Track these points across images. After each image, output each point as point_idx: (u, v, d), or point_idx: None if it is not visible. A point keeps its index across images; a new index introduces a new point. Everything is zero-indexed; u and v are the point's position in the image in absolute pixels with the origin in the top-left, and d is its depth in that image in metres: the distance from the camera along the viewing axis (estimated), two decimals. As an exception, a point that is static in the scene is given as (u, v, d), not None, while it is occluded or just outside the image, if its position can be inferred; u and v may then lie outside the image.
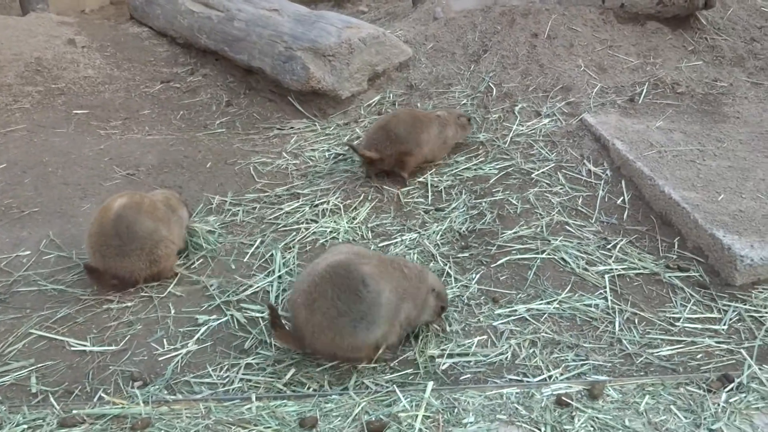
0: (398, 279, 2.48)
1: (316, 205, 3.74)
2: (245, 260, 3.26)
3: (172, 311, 2.89)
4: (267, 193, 3.90)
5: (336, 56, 4.85)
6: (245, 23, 5.47)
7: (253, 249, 3.35)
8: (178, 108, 5.27)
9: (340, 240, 3.42)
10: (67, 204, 3.70)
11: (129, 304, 2.96)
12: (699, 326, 2.73)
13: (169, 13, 6.30)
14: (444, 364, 2.57)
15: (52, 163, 4.17)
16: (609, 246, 3.28)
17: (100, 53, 5.96)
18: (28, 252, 3.27)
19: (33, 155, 4.28)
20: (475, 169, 4.07)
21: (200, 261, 3.26)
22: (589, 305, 2.85)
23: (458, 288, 3.02)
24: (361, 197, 3.84)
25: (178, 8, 6.21)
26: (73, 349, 2.69)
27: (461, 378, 2.52)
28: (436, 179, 4.00)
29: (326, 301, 2.39)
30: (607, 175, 3.82)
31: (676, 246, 3.22)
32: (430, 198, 3.83)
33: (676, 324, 2.73)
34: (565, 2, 5.25)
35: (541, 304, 2.89)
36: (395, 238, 3.44)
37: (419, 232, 3.48)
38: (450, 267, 3.17)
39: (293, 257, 3.27)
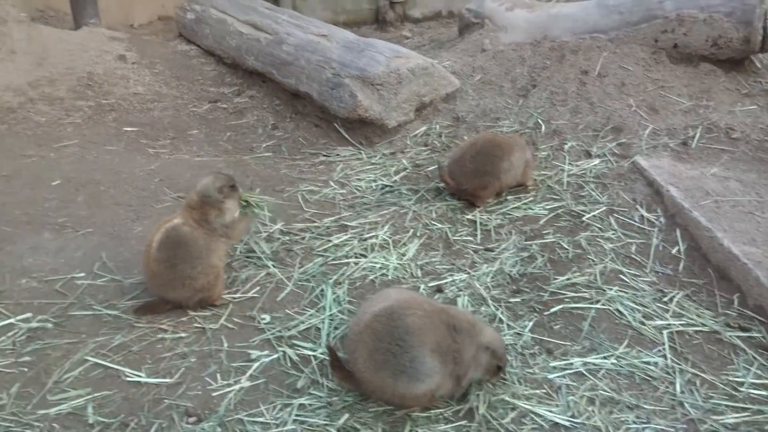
0: (444, 333, 2.43)
1: (365, 239, 3.71)
2: (295, 293, 3.26)
3: (225, 344, 2.89)
4: (315, 224, 3.88)
5: (384, 85, 4.87)
6: (294, 47, 5.52)
7: (303, 282, 3.34)
8: (225, 129, 5.32)
9: (390, 276, 3.39)
10: (120, 225, 3.74)
11: (183, 335, 2.96)
12: (764, 393, 2.65)
13: (217, 33, 6.39)
14: (500, 417, 2.52)
15: (104, 182, 4.22)
16: (665, 299, 3.22)
17: (150, 70, 6.05)
18: (82, 274, 3.30)
19: (85, 172, 4.34)
20: (524, 209, 4.01)
21: (252, 291, 3.26)
22: (648, 363, 2.80)
23: (512, 336, 2.96)
24: (410, 233, 3.80)
25: (227, 28, 6.29)
26: (128, 379, 2.69)
27: (517, 432, 2.44)
28: (485, 217, 3.97)
29: (367, 352, 2.38)
30: (660, 222, 3.76)
31: (735, 303, 3.15)
32: (479, 237, 3.78)
33: (740, 389, 2.66)
34: (617, 40, 5.22)
35: (597, 358, 2.84)
36: (445, 277, 3.40)
37: (469, 273, 3.43)
38: (502, 312, 3.13)
39: (343, 293, 3.24)
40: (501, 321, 3.06)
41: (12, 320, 2.98)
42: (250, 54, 6.03)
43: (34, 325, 2.96)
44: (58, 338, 2.90)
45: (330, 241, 3.68)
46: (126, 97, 5.63)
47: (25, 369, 2.73)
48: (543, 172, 4.33)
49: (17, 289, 3.19)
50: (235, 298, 3.20)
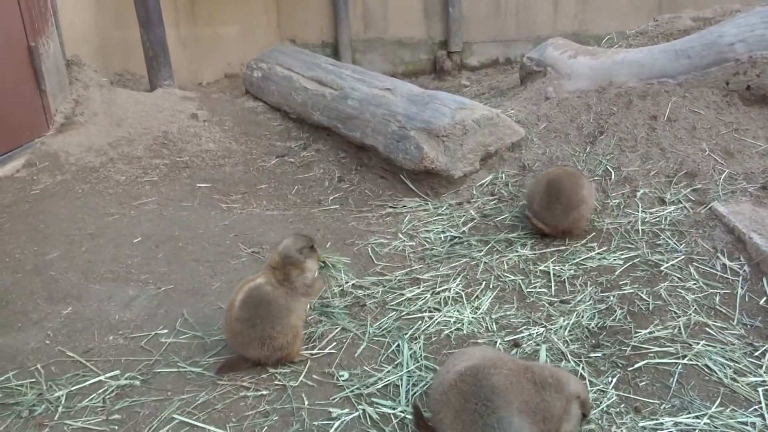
0: (530, 391, 2.40)
1: (438, 292, 3.67)
2: (371, 349, 3.25)
3: (306, 402, 2.88)
4: (387, 277, 3.88)
5: (450, 137, 4.91)
6: (359, 102, 5.65)
7: (378, 338, 3.33)
8: (292, 183, 5.44)
9: (464, 331, 3.35)
10: (199, 282, 3.83)
11: (264, 392, 2.96)
12: None
13: (284, 90, 6.61)
14: (592, 482, 2.42)
15: (182, 238, 4.36)
16: (757, 353, 3.07)
17: (220, 127, 6.28)
18: (165, 330, 3.39)
19: (164, 229, 4.50)
20: (599, 259, 3.91)
21: (329, 347, 3.27)
22: (745, 423, 2.65)
23: (595, 392, 2.87)
24: (483, 285, 3.76)
25: (293, 85, 6.50)
26: (214, 438, 2.70)
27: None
28: (558, 268, 3.89)
29: (452, 413, 2.34)
30: (745, 271, 3.62)
31: (833, 357, 2.96)
32: (553, 288, 3.70)
33: None
34: (686, 84, 5.13)
35: (689, 417, 2.71)
36: (521, 331, 3.33)
37: (545, 326, 3.34)
38: (583, 368, 3.03)
39: (420, 348, 3.21)
40: (583, 377, 2.97)
41: (102, 378, 3.07)
42: (316, 109, 6.20)
43: (122, 382, 3.04)
44: (145, 396, 2.97)
45: (403, 294, 3.66)
46: (198, 154, 5.85)
47: (116, 427, 2.80)
48: (616, 221, 4.25)
49: (105, 346, 3.31)
50: (312, 354, 3.21)
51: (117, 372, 3.12)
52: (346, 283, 3.82)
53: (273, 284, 2.96)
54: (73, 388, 3.01)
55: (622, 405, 2.81)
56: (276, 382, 3.01)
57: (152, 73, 6.82)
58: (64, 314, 3.56)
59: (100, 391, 3.01)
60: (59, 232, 4.42)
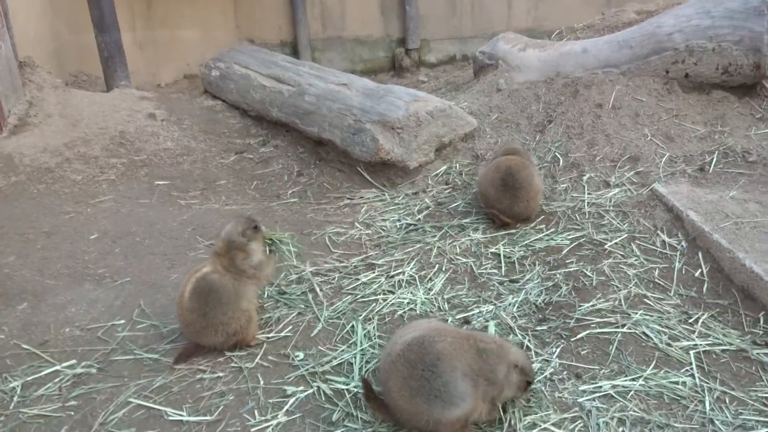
0: (473, 356, 2.46)
1: (392, 276, 3.75)
2: (327, 331, 3.31)
3: (261, 382, 2.95)
4: (343, 264, 3.95)
5: (404, 129, 5.00)
6: (316, 97, 5.72)
7: (334, 320, 3.40)
8: (251, 178, 5.46)
9: (417, 311, 3.43)
10: (156, 274, 3.86)
11: (220, 374, 3.01)
12: (795, 407, 2.64)
13: (242, 88, 6.64)
14: (534, 442, 2.53)
15: (139, 233, 4.37)
16: (691, 320, 3.24)
17: (178, 126, 6.28)
18: (122, 321, 3.42)
19: (121, 225, 4.51)
20: (546, 240, 4.03)
21: (285, 330, 3.32)
22: (677, 383, 2.80)
23: (539, 362, 2.98)
24: (436, 268, 3.85)
25: (251, 83, 6.54)
26: (170, 419, 2.76)
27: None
28: (508, 249, 4.01)
29: (401, 380, 2.42)
30: (682, 246, 3.79)
31: (761, 321, 3.15)
32: (503, 269, 3.81)
33: (771, 404, 2.65)
34: (629, 73, 5.33)
35: (626, 380, 2.85)
36: (471, 309, 3.42)
37: (495, 304, 3.42)
38: (529, 340, 3.15)
39: (374, 328, 3.29)
40: (528, 348, 3.09)
41: (57, 367, 3.08)
42: (274, 105, 6.26)
43: (78, 371, 3.07)
44: (102, 383, 2.99)
45: (358, 279, 3.72)
46: (157, 153, 5.84)
47: (72, 413, 2.82)
48: (564, 204, 4.39)
49: (61, 337, 3.32)
50: (269, 338, 3.24)
51: (73, 361, 3.14)
52: (303, 270, 3.88)
53: (219, 271, 2.96)
54: (28, 378, 3.03)
55: (565, 372, 2.93)
56: (232, 365, 3.07)
57: (108, 74, 6.80)
58: (20, 309, 3.56)
59: (57, 380, 3.03)
60: (14, 232, 4.40)
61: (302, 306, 3.51)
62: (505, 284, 3.60)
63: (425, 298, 3.48)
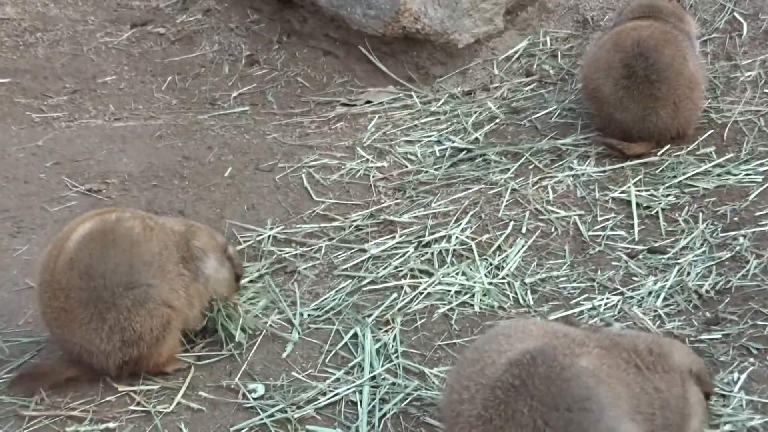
0: (635, 380, 1.89)
1: (427, 244, 2.82)
2: (307, 345, 2.48)
3: (186, 439, 2.21)
4: (336, 223, 2.99)
5: (446, -27, 3.90)
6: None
7: (319, 325, 2.55)
8: (162, 71, 4.24)
9: (476, 308, 2.53)
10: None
11: (111, 425, 2.16)
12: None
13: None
14: None
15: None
16: None
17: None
18: None
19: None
20: (718, 175, 3.04)
21: (231, 344, 2.49)
22: None
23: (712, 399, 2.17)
24: (509, 228, 2.86)
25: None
26: None
27: None
28: (646, 194, 2.98)
29: (520, 428, 1.76)
30: None
31: None
32: (636, 230, 2.83)
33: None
34: None
35: None
36: (578, 303, 2.53)
37: (622, 293, 2.54)
38: (690, 358, 2.43)
39: (393, 339, 2.40)
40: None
41: None
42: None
43: None
44: None
45: (364, 251, 2.79)
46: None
47: None
48: (750, 108, 3.31)
49: None
50: (199, 359, 2.41)
51: None
52: (262, 234, 2.97)
53: (146, 225, 2.34)
54: None
55: (759, 417, 2.11)
56: (132, 407, 2.23)
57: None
58: None
59: None
60: None
61: (261, 301, 2.65)
62: (641, 257, 2.76)
63: (490, 283, 2.63)
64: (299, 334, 2.48)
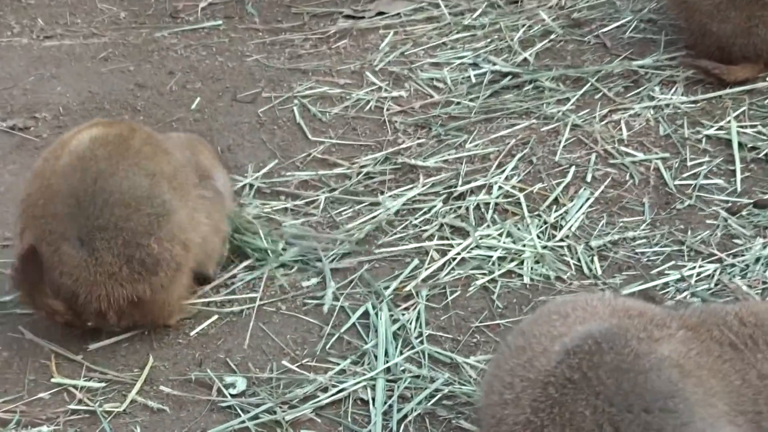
0: (730, 361, 1.55)
1: (460, 196, 2.48)
2: (302, 323, 2.15)
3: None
4: (339, 170, 2.63)
5: None
6: None
7: (316, 300, 2.21)
8: None
9: (525, 280, 2.21)
10: None
11: (44, 428, 1.91)
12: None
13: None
14: None
15: None
16: None
17: None
18: None
19: None
20: None
21: (203, 325, 2.13)
22: None
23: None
24: (570, 175, 2.49)
25: None
26: None
27: None
28: (751, 131, 2.58)
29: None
30: None
31: None
32: (738, 177, 2.48)
33: None
34: None
35: None
36: (663, 273, 2.20)
37: (720, 259, 2.23)
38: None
39: (416, 320, 2.09)
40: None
41: None
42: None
43: None
44: None
45: (377, 204, 2.43)
46: None
47: None
48: None
49: None
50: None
51: None
52: (242, 181, 2.63)
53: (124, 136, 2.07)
54: None
55: None
56: (73, 406, 1.91)
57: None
58: None
59: None
60: None
61: (241, 268, 2.29)
62: (745, 213, 2.40)
63: (544, 247, 2.29)
64: (289, 310, 2.12)
